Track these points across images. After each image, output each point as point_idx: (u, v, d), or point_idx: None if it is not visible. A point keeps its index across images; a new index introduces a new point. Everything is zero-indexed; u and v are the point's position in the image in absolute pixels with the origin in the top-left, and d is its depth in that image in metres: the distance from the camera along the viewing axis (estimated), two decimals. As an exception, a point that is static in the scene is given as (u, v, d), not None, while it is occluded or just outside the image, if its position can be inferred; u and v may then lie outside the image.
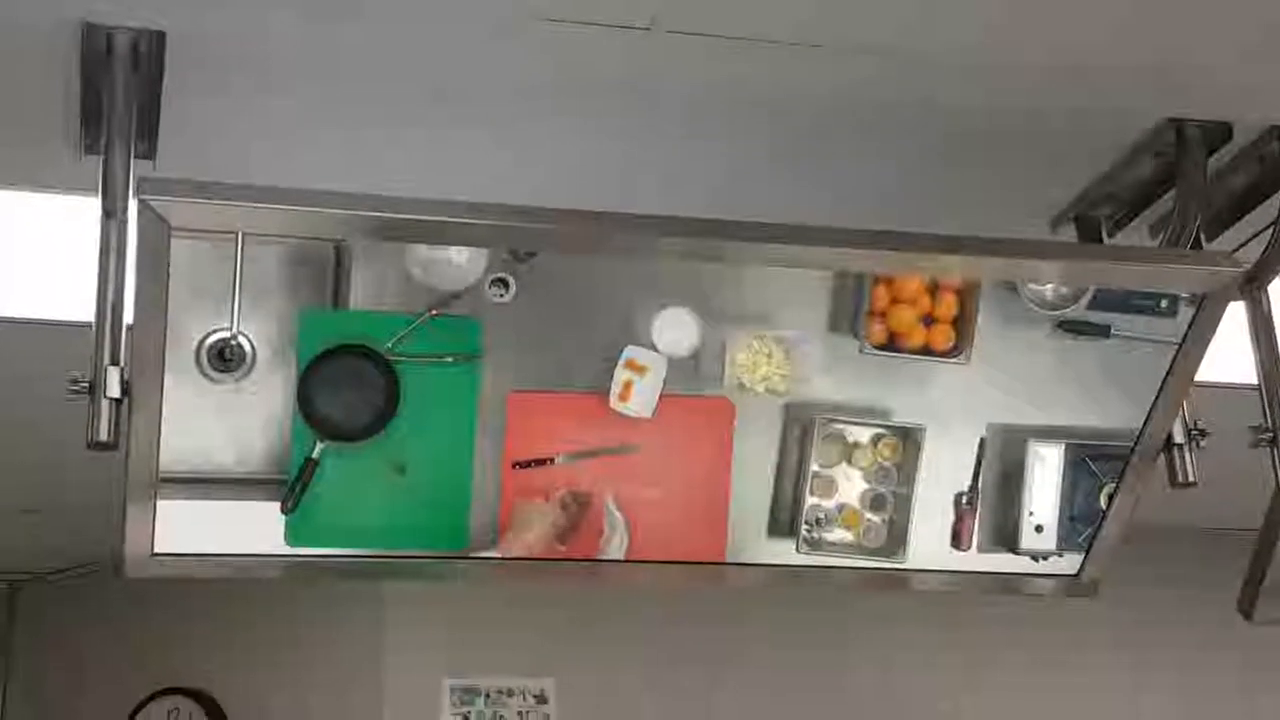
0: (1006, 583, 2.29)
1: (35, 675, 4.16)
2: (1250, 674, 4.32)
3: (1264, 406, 2.11)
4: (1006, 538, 2.28)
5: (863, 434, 2.23)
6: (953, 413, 2.24)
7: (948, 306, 2.20)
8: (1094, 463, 2.25)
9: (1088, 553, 2.24)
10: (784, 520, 2.23)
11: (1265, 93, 2.01)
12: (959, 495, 2.25)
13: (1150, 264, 2.01)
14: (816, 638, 4.21)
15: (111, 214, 1.78)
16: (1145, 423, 2.10)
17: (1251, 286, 2.08)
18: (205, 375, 2.02)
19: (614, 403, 2.12)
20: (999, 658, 4.31)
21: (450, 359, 2.08)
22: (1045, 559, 2.28)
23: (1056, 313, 2.19)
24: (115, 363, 1.74)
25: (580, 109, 2.02)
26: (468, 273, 2.05)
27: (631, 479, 2.18)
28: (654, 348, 2.13)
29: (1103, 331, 2.20)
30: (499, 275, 2.05)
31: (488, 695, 4.17)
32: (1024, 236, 2.09)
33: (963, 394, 2.23)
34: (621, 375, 2.11)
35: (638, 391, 2.11)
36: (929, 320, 2.20)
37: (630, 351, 2.11)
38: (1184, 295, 2.04)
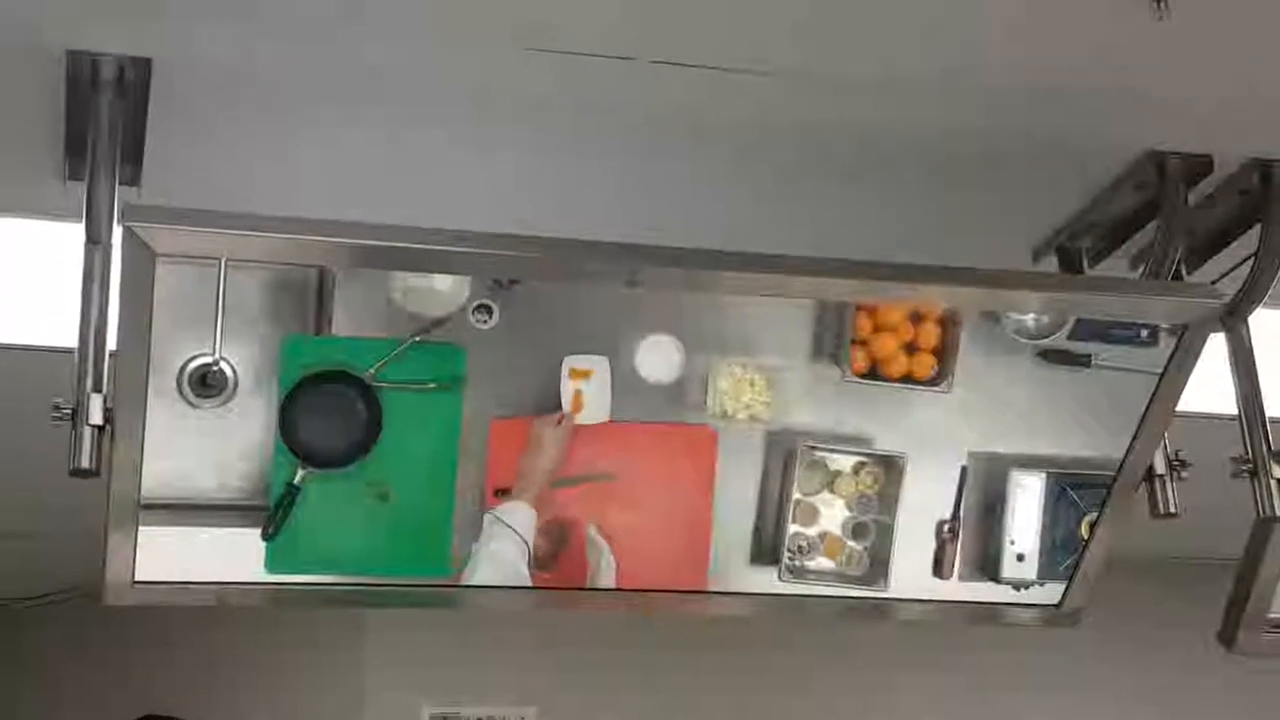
0: (988, 612, 2.30)
1: (10, 704, 4.12)
2: (1231, 704, 4.33)
3: (1244, 437, 2.12)
4: (988, 566, 2.28)
5: (845, 462, 2.24)
6: (934, 441, 2.24)
7: (929, 335, 2.20)
8: (1075, 492, 2.25)
9: (1069, 582, 2.25)
10: (766, 548, 2.23)
11: (1246, 126, 2.03)
12: (941, 523, 2.26)
13: (1131, 295, 2.02)
14: (799, 664, 4.20)
15: (96, 240, 1.78)
16: (1127, 453, 2.11)
17: (1232, 318, 2.10)
18: (187, 401, 2.01)
19: None
20: (981, 683, 4.31)
21: (433, 385, 2.07)
22: (1027, 588, 2.28)
23: (1038, 342, 2.20)
24: (98, 390, 1.74)
25: (565, 137, 2.02)
26: (451, 299, 2.05)
27: (614, 506, 2.18)
28: (637, 374, 2.13)
29: (1084, 361, 2.21)
30: (482, 301, 2.05)
31: (467, 723, 4.15)
32: (1005, 267, 2.10)
33: (944, 422, 2.24)
34: (569, 387, 2.10)
35: (589, 397, 2.11)
36: (911, 349, 2.21)
37: (569, 361, 2.09)
38: (1165, 326, 2.05)
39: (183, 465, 2.03)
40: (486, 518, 2.08)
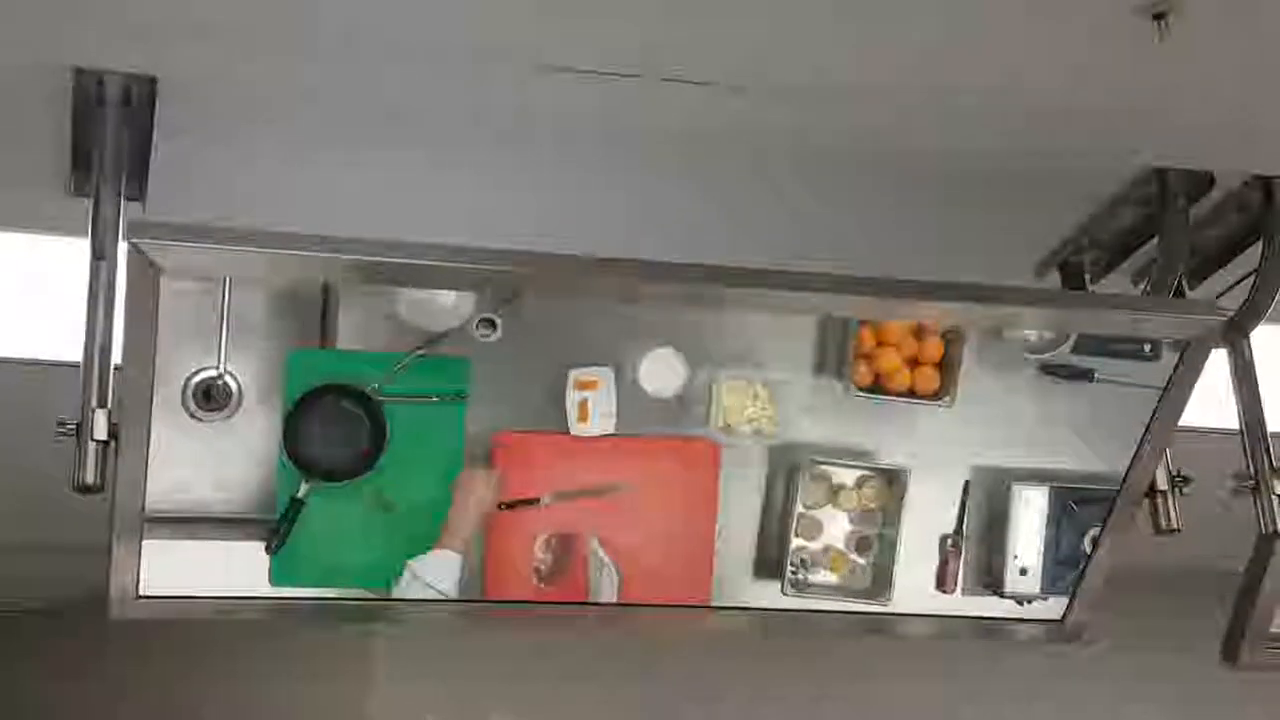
0: (991, 627, 2.29)
1: (18, 715, 4.12)
2: (1228, 717, 4.32)
3: (1245, 453, 2.12)
4: (991, 581, 2.28)
5: (848, 476, 2.24)
6: (937, 455, 2.25)
7: (933, 350, 2.21)
8: (1078, 506, 2.25)
9: (1072, 597, 2.25)
10: (769, 562, 2.23)
11: (1246, 142, 2.03)
12: (944, 538, 2.26)
13: (1133, 311, 2.02)
14: (803, 678, 4.20)
15: (101, 256, 1.79)
16: (1129, 468, 2.12)
17: (1233, 333, 2.10)
18: (191, 415, 2.02)
19: (575, 429, 2.11)
20: (980, 691, 4.30)
21: (437, 399, 2.08)
22: (1030, 602, 2.28)
23: (1041, 356, 2.20)
24: (103, 405, 1.74)
25: (571, 153, 2.03)
26: (455, 313, 2.05)
27: (617, 520, 2.18)
28: (640, 388, 2.14)
29: (1086, 375, 2.21)
30: (486, 315, 2.06)
31: (472, 735, 4.14)
32: (1008, 283, 2.10)
33: (947, 437, 2.24)
34: (575, 397, 2.11)
35: (595, 407, 2.11)
36: (914, 363, 2.21)
37: (575, 373, 2.11)
38: (1167, 341, 2.06)
39: (187, 479, 2.03)
40: (406, 572, 2.07)
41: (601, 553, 2.15)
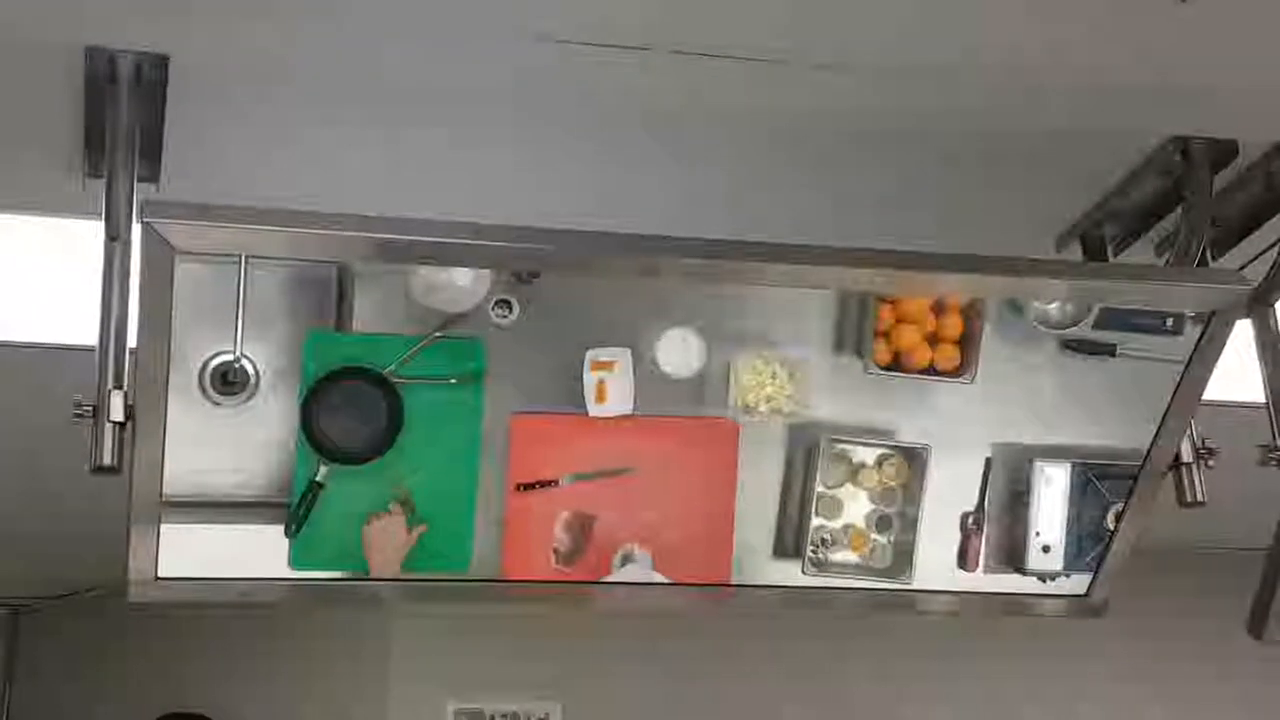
0: (1014, 604, 2.29)
1: (39, 701, 4.15)
2: (1255, 692, 4.31)
3: (1272, 425, 2.11)
4: (1014, 558, 2.27)
5: (868, 454, 2.23)
6: (958, 432, 2.24)
7: (953, 326, 2.20)
8: (1101, 482, 2.24)
9: (1096, 573, 2.24)
10: (789, 541, 2.22)
11: (1271, 110, 2.01)
12: (965, 515, 2.25)
13: (1157, 282, 2.01)
14: (823, 657, 4.20)
15: (115, 237, 1.79)
16: (1153, 442, 2.10)
17: (1258, 304, 2.08)
18: (209, 398, 2.02)
19: (592, 410, 2.10)
20: (1003, 675, 4.30)
21: (454, 381, 2.07)
22: (1053, 579, 2.27)
23: (1062, 331, 2.19)
24: (119, 387, 1.74)
25: (583, 128, 2.02)
26: (471, 294, 2.05)
27: (636, 501, 2.17)
28: (658, 368, 2.13)
29: (1109, 350, 2.20)
30: (502, 296, 2.05)
31: (492, 719, 4.15)
32: (1029, 255, 2.09)
33: (968, 414, 2.23)
34: (592, 379, 2.10)
35: (612, 388, 2.11)
36: (934, 340, 2.20)
37: (591, 354, 2.10)
38: (1190, 313, 2.04)
39: (205, 462, 2.04)
40: None
41: (637, 553, 2.15)
